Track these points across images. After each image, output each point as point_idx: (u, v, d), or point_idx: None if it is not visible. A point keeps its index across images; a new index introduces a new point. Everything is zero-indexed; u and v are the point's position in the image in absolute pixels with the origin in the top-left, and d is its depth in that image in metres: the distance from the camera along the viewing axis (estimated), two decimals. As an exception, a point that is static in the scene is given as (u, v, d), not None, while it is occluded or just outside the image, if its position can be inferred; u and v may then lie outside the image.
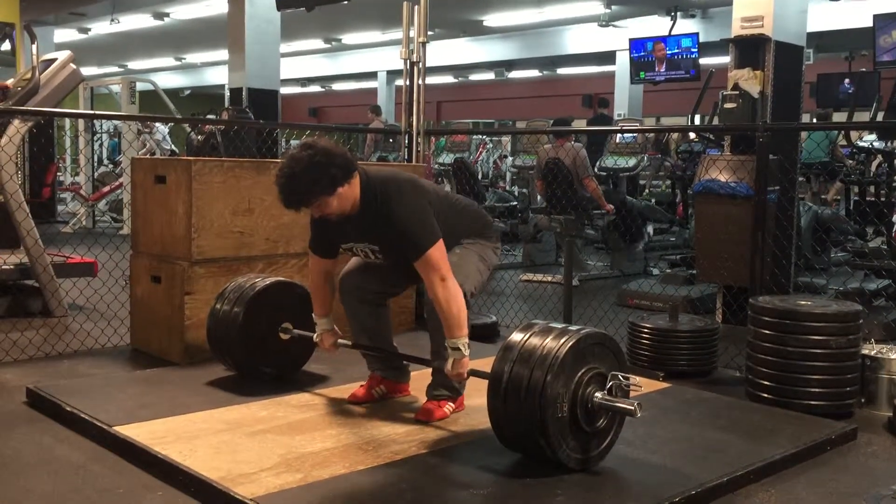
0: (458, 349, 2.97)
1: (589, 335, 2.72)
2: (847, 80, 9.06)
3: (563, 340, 2.64)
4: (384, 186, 3.06)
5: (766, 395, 3.61)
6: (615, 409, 2.68)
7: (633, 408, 2.64)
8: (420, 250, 2.98)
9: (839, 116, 9.89)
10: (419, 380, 3.44)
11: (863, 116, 7.27)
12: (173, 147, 11.69)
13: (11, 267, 5.26)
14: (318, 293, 3.40)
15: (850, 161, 8.63)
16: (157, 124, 11.59)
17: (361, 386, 3.49)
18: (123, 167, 10.80)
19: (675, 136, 10.06)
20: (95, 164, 12.60)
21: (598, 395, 2.67)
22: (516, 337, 2.74)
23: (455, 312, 2.95)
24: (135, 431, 3.02)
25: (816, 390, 3.52)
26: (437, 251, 2.99)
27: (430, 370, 3.31)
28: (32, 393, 3.55)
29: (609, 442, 2.80)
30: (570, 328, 2.73)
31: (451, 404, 3.28)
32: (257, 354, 3.69)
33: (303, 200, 2.96)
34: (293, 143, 16.05)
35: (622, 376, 2.70)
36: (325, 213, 3.02)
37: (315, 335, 3.46)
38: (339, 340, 3.43)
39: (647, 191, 10.86)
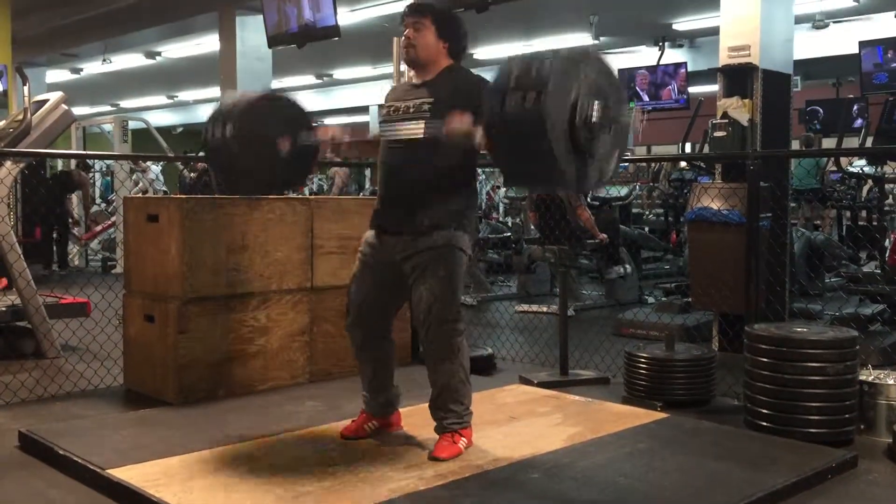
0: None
1: (579, 51, 2.70)
2: (856, 108, 9.34)
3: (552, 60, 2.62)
4: (476, 76, 3.24)
5: (764, 424, 3.59)
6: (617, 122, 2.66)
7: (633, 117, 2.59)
8: (475, 115, 2.97)
9: (828, 142, 9.95)
10: (416, 415, 3.41)
11: (852, 142, 7.34)
12: (165, 188, 11.71)
13: (3, 308, 5.23)
14: None
15: (840, 186, 8.68)
16: (151, 165, 11.63)
17: (353, 421, 3.48)
18: (116, 206, 10.80)
19: (666, 164, 10.12)
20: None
21: (596, 105, 2.61)
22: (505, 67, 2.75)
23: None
24: (129, 474, 2.98)
25: (815, 418, 3.50)
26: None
27: (426, 405, 3.28)
28: (25, 437, 3.51)
29: (611, 168, 2.75)
30: (560, 51, 2.70)
31: (465, 439, 3.22)
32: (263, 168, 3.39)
33: (420, 6, 3.21)
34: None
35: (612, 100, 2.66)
36: (413, 39, 3.19)
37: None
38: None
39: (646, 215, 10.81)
